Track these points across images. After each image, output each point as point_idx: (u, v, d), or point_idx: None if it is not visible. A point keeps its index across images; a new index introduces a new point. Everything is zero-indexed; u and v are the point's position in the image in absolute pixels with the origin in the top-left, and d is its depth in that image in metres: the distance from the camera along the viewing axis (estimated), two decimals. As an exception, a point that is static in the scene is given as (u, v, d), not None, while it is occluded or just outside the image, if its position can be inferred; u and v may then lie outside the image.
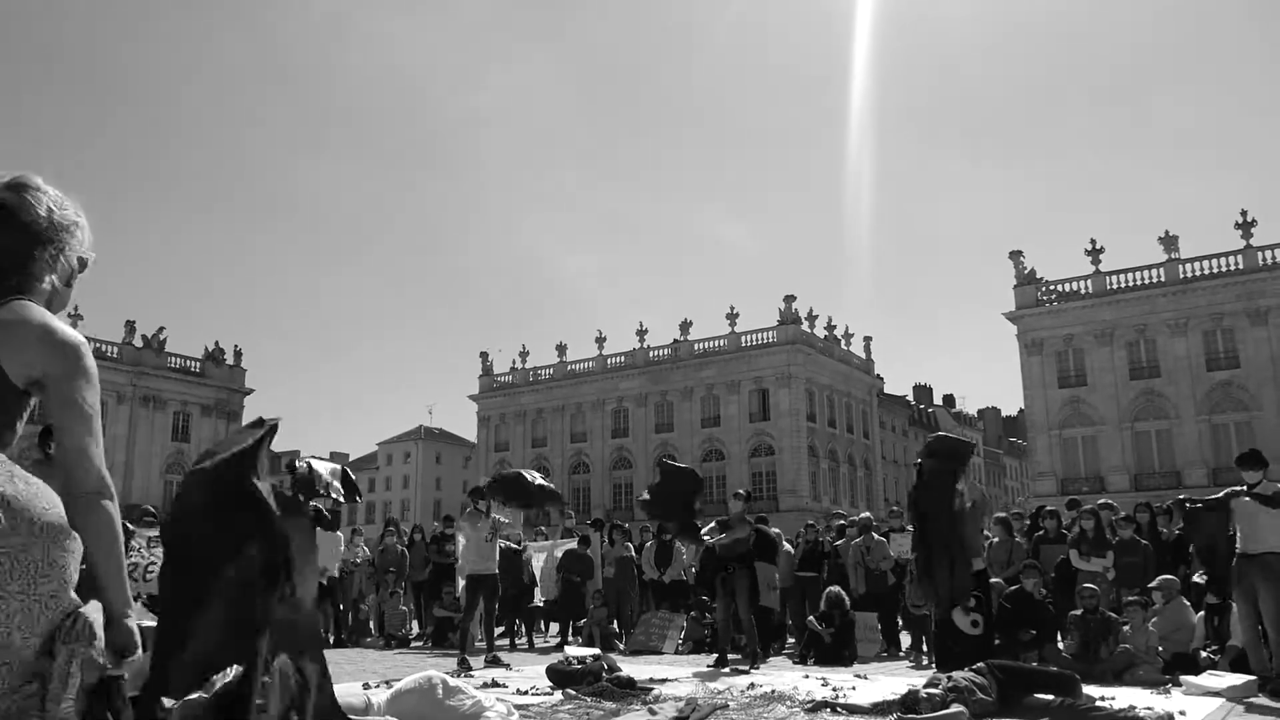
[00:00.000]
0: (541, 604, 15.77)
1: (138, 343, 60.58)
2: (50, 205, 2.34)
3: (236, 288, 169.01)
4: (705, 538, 11.46)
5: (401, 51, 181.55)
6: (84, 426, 2.18)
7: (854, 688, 8.38)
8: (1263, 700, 7.62)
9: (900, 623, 14.00)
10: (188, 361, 64.11)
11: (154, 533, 14.03)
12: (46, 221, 2.32)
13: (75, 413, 2.18)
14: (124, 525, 14.46)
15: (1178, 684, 8.53)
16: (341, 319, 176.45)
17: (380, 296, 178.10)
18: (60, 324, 2.25)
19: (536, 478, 12.20)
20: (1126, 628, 9.76)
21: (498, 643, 12.31)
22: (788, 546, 14.84)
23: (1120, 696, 7.32)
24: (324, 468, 5.98)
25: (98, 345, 57.38)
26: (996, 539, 12.98)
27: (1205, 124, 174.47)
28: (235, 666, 3.17)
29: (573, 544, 15.72)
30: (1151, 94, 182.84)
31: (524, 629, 15.80)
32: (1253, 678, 8.11)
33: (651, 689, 7.94)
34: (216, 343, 65.69)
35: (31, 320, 2.20)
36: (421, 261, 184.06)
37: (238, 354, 66.52)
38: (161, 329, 62.28)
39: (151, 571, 13.52)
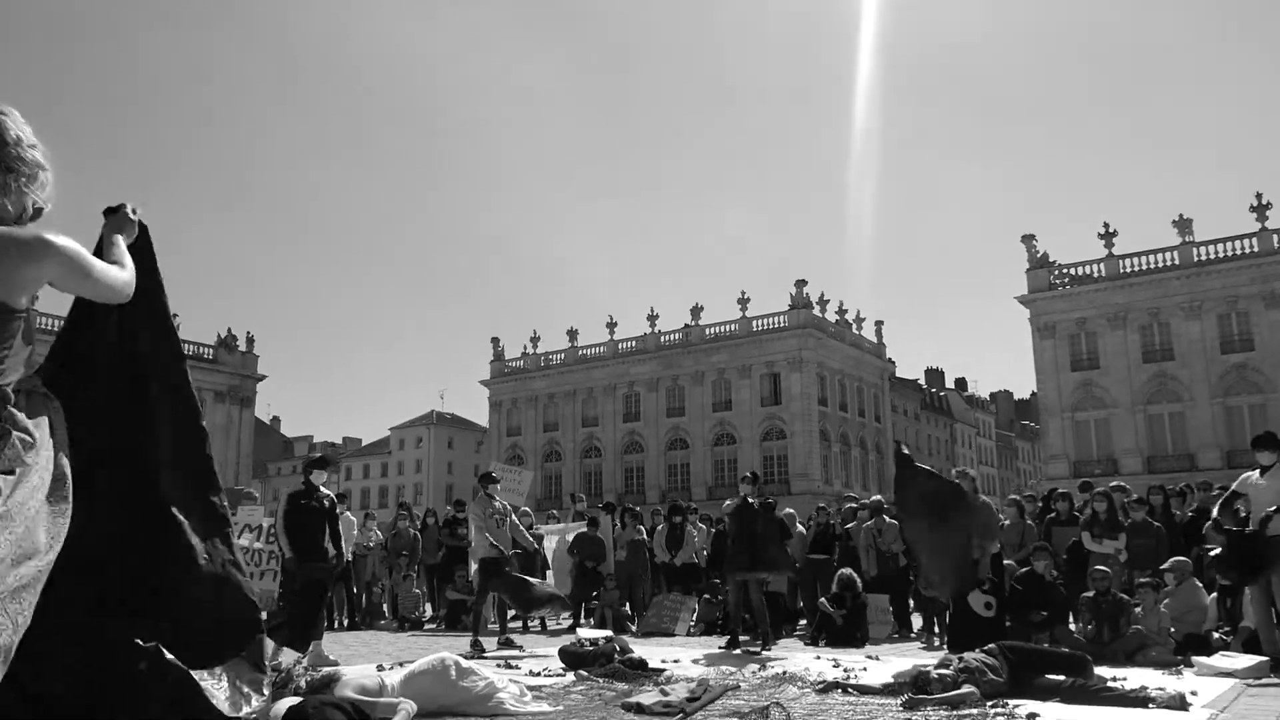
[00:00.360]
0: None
1: (151, 329, 60.73)
2: (19, 136, 2.38)
3: (250, 275, 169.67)
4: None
5: (411, 39, 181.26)
6: (95, 284, 2.64)
7: (865, 669, 8.40)
8: (1275, 681, 7.61)
9: (911, 605, 14.02)
10: (200, 348, 64.30)
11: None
12: (13, 149, 2.35)
13: (86, 284, 2.63)
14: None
15: (1189, 665, 8.52)
16: (354, 305, 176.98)
17: (392, 282, 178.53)
18: (17, 231, 2.35)
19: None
20: (1138, 609, 9.75)
21: (510, 625, 12.36)
22: (800, 529, 14.84)
23: (1132, 677, 7.32)
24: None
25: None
26: (1009, 521, 12.97)
27: (1220, 104, 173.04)
28: None
29: (583, 527, 15.74)
30: (1166, 75, 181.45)
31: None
32: (1265, 659, 8.10)
33: (663, 670, 7.97)
34: (229, 329, 65.96)
35: (10, 240, 2.31)
36: (433, 247, 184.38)
37: (250, 340, 66.72)
38: (174, 315, 62.26)
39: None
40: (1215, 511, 9.27)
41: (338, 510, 10.99)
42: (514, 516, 11.98)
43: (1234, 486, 8.82)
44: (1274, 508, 8.17)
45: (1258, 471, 8.60)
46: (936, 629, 12.34)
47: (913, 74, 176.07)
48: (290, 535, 9.36)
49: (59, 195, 2.50)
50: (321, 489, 9.80)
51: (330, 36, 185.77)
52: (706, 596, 13.89)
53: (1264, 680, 7.62)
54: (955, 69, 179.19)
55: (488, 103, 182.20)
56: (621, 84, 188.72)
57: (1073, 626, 10.70)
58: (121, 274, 2.75)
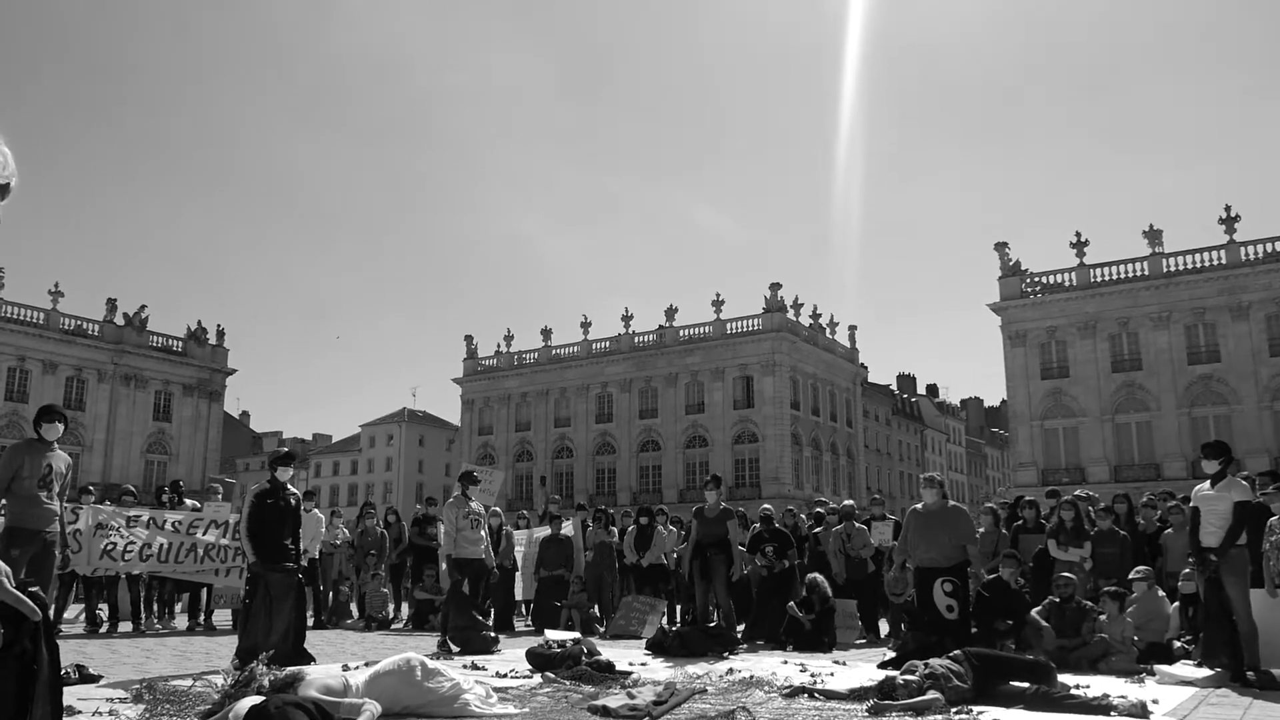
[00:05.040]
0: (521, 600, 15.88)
1: (119, 321, 60.01)
2: None
3: (219, 267, 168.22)
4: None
5: (386, 31, 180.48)
6: None
7: (832, 673, 8.43)
8: (1234, 690, 7.70)
9: (880, 610, 14.07)
10: (170, 341, 63.63)
11: (133, 512, 13.94)
12: None
13: None
14: (102, 505, 14.21)
15: (1152, 673, 8.60)
16: (325, 300, 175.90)
17: (364, 278, 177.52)
18: None
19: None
20: (1102, 617, 9.84)
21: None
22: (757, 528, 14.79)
23: (1095, 685, 7.39)
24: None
25: (79, 323, 56.94)
26: (984, 529, 12.99)
27: (1191, 117, 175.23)
28: None
29: (548, 530, 15.58)
30: (1137, 86, 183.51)
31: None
32: (1224, 671, 8.18)
33: (631, 673, 7.97)
34: (199, 322, 65.37)
35: None
36: (407, 243, 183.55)
37: (220, 334, 66.14)
38: (143, 307, 61.67)
39: (130, 550, 13.46)
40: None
41: (303, 508, 10.88)
42: (488, 521, 11.89)
43: (1192, 501, 8.95)
44: None
45: (1208, 482, 8.71)
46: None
47: (894, 84, 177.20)
48: (254, 537, 9.12)
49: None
50: (289, 486, 9.63)
51: (307, 29, 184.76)
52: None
53: (1223, 689, 7.71)
54: (936, 79, 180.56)
55: (466, 103, 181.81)
56: (603, 87, 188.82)
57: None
58: None
